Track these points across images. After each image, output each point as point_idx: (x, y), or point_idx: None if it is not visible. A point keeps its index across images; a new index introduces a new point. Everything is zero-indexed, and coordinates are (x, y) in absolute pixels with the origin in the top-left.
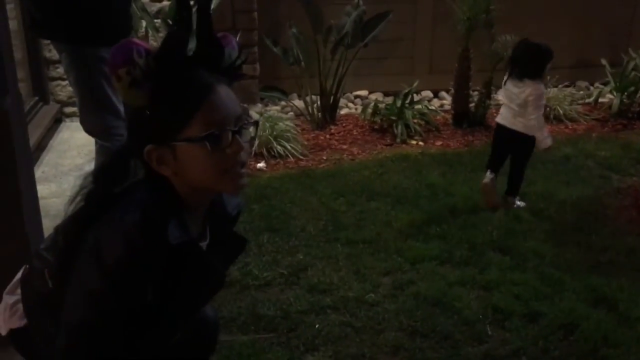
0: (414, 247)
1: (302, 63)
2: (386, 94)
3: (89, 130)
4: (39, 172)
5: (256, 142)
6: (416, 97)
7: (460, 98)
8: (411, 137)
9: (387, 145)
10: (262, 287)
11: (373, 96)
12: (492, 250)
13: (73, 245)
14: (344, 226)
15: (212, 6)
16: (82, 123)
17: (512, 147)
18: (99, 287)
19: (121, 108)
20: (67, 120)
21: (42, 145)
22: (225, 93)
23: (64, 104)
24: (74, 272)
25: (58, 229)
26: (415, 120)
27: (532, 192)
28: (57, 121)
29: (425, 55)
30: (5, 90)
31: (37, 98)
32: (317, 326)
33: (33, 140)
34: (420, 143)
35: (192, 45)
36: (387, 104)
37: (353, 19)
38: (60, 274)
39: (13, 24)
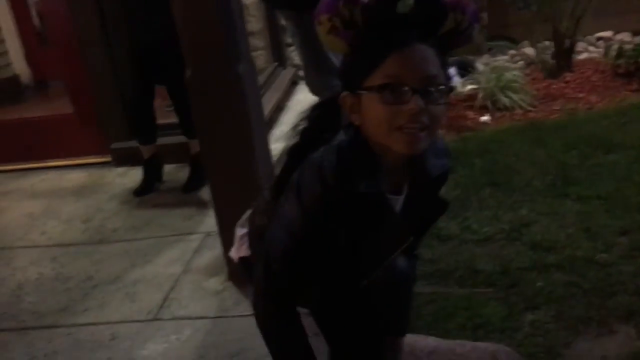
0: None
1: (533, 7)
2: (636, 34)
3: (312, 91)
4: (277, 130)
5: (480, 95)
6: None
7: None
8: None
9: (633, 91)
10: (481, 242)
11: (619, 37)
12: None
13: (284, 179)
14: (574, 181)
15: None
16: (307, 84)
17: None
18: (297, 219)
19: None
20: (302, 82)
21: (280, 106)
22: (420, 52)
23: (299, 67)
24: (278, 206)
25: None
26: None
27: None
28: (293, 84)
29: None
30: (239, 58)
31: (276, 64)
32: (538, 284)
33: (272, 102)
34: None
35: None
36: (635, 45)
37: None
38: (273, 207)
39: None
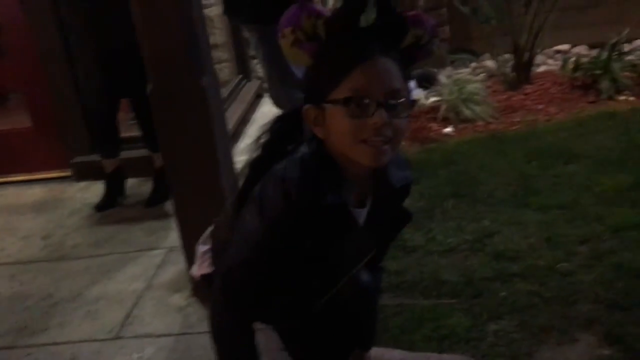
0: (617, 213)
1: (493, 20)
2: (592, 47)
3: (276, 103)
4: (242, 144)
5: (443, 107)
6: (628, 47)
7: None
8: (619, 93)
9: (590, 102)
10: (446, 253)
11: (576, 50)
12: None
13: (246, 192)
14: (535, 191)
15: None
16: (271, 97)
17: None
18: (257, 231)
19: None
20: (267, 95)
21: (245, 119)
22: (383, 66)
23: (264, 80)
24: (239, 219)
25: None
26: (626, 74)
27: None
28: (258, 96)
29: None
30: (202, 70)
31: (240, 76)
32: (502, 294)
33: (237, 114)
34: (631, 98)
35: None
36: (591, 57)
37: None
38: (235, 221)
39: (217, 10)
